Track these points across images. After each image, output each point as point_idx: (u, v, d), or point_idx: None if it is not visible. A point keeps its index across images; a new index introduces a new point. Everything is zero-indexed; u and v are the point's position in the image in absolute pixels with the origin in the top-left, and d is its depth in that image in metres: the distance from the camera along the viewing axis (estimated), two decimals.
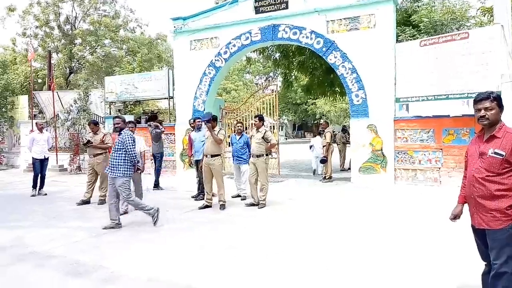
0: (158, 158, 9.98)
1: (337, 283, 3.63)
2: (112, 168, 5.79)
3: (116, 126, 6.08)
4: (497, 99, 2.68)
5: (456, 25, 10.11)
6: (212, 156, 7.05)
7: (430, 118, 8.79)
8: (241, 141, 7.86)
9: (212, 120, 7.03)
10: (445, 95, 8.56)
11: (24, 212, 7.18)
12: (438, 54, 8.65)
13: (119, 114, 14.07)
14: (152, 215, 5.94)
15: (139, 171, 6.80)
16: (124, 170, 5.79)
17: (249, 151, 7.70)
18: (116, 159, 5.79)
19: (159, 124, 10.36)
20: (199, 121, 8.11)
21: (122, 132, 5.97)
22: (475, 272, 3.11)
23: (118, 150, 5.82)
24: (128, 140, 5.85)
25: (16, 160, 16.27)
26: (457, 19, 10.10)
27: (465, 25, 10.33)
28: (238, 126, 8.04)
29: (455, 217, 2.98)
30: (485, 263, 2.87)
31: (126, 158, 5.81)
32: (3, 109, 16.66)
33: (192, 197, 8.22)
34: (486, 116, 2.66)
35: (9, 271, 4.12)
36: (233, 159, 8.19)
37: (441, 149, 8.71)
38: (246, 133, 8.53)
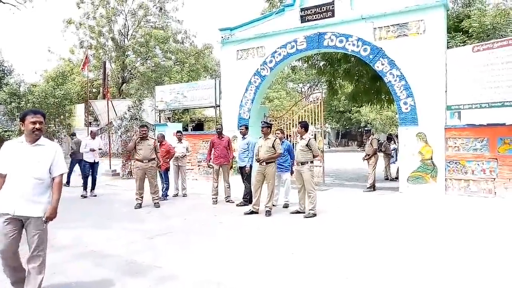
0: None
1: None
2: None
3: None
4: None
5: (510, 27, 9.62)
6: (267, 163, 7.25)
7: (484, 127, 8.43)
8: (282, 148, 7.73)
9: (268, 127, 7.45)
10: (501, 102, 8.19)
11: (81, 213, 7.64)
12: (492, 59, 8.31)
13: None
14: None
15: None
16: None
17: (292, 158, 7.80)
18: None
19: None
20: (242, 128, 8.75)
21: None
22: None
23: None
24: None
25: None
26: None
27: None
28: (278, 133, 8.04)
29: None
30: None
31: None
32: (62, 116, 17.77)
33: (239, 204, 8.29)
34: None
35: (70, 269, 4.37)
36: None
37: (496, 158, 8.32)
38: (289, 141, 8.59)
